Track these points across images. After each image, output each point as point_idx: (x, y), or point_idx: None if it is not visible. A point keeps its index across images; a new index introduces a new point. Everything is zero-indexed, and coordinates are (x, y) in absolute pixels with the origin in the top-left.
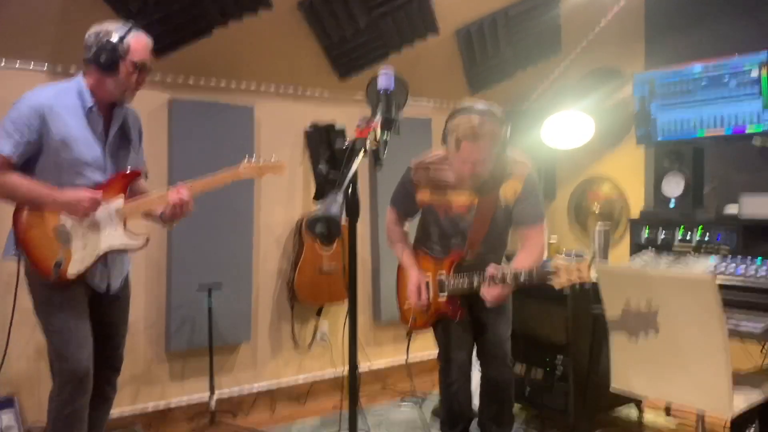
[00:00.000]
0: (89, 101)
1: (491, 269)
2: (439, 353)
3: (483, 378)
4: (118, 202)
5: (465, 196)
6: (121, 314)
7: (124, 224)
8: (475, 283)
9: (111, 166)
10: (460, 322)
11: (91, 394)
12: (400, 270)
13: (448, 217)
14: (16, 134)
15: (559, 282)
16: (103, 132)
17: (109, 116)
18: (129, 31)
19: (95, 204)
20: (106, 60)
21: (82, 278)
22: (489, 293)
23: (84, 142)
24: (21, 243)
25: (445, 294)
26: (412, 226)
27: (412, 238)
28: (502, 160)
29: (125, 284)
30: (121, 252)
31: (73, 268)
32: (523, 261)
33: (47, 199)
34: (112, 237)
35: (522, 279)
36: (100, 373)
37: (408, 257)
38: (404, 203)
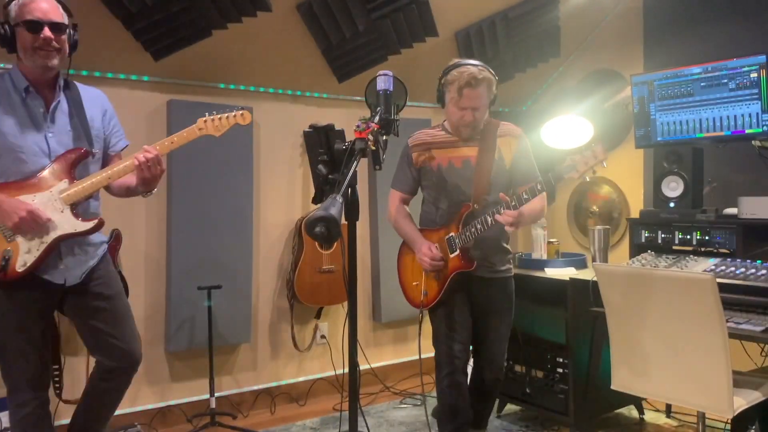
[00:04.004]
0: (23, 83)
1: (503, 196)
2: (434, 340)
3: (476, 376)
4: (62, 185)
5: (461, 151)
6: (112, 313)
7: (72, 208)
8: (489, 220)
9: (58, 148)
10: (462, 308)
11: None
12: (401, 253)
13: (443, 169)
14: None
15: (580, 172)
16: (44, 113)
17: (52, 96)
18: None
19: (32, 218)
20: (2, 41)
21: (33, 273)
22: (506, 215)
23: (20, 126)
24: None
25: (457, 251)
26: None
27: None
28: (493, 123)
29: (98, 278)
30: (82, 239)
31: (21, 261)
32: (530, 204)
33: None
34: (59, 223)
35: (539, 189)
36: (117, 371)
37: (412, 231)
38: (404, 177)
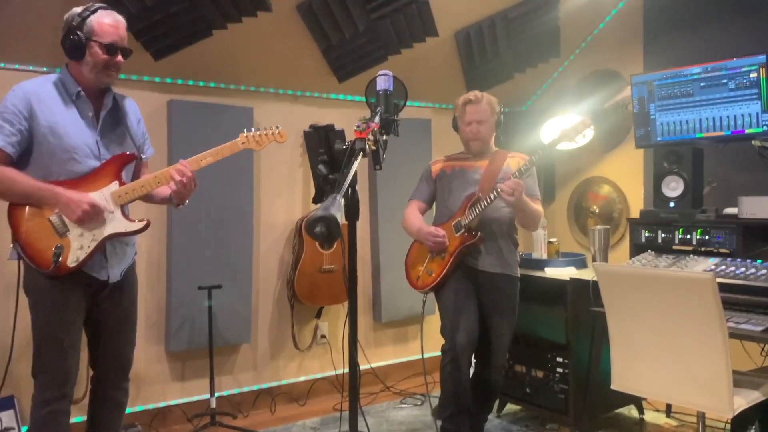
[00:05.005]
0: (75, 87)
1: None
2: (441, 328)
3: (476, 375)
4: (113, 186)
5: (473, 162)
6: (123, 315)
7: (122, 209)
8: (492, 195)
9: (105, 152)
10: (468, 297)
11: (88, 398)
12: (410, 249)
13: (455, 171)
14: (6, 125)
15: (572, 137)
16: (93, 118)
17: (100, 102)
18: (92, 12)
19: (95, 212)
20: (70, 46)
21: (80, 269)
22: (506, 183)
23: (73, 127)
24: (17, 237)
25: (462, 229)
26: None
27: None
28: (503, 151)
29: (127, 279)
30: (122, 239)
31: (73, 257)
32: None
33: (47, 194)
34: (110, 223)
35: (536, 158)
36: (106, 377)
37: (419, 221)
38: (422, 190)
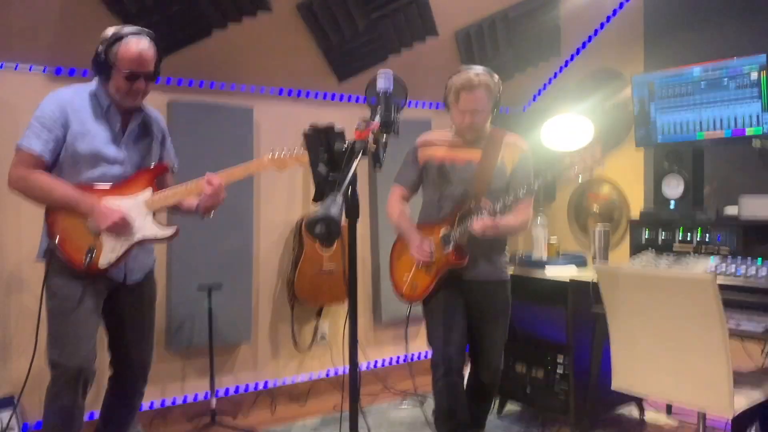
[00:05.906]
0: (105, 101)
1: (485, 202)
2: (429, 340)
3: (473, 379)
4: (146, 193)
5: (465, 153)
6: (143, 318)
7: (153, 215)
8: (468, 223)
9: (130, 161)
10: (456, 309)
11: (90, 392)
12: (395, 246)
13: (446, 167)
14: (43, 132)
15: (578, 172)
16: (120, 130)
17: (128, 116)
18: (119, 38)
19: (123, 224)
20: (96, 68)
21: (105, 270)
22: (477, 223)
23: (100, 137)
24: (54, 234)
25: (451, 245)
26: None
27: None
28: (500, 131)
29: (146, 283)
30: (142, 245)
31: (105, 258)
32: (509, 219)
33: (82, 204)
34: (142, 227)
35: (521, 195)
36: (126, 379)
37: (408, 225)
38: (407, 174)
